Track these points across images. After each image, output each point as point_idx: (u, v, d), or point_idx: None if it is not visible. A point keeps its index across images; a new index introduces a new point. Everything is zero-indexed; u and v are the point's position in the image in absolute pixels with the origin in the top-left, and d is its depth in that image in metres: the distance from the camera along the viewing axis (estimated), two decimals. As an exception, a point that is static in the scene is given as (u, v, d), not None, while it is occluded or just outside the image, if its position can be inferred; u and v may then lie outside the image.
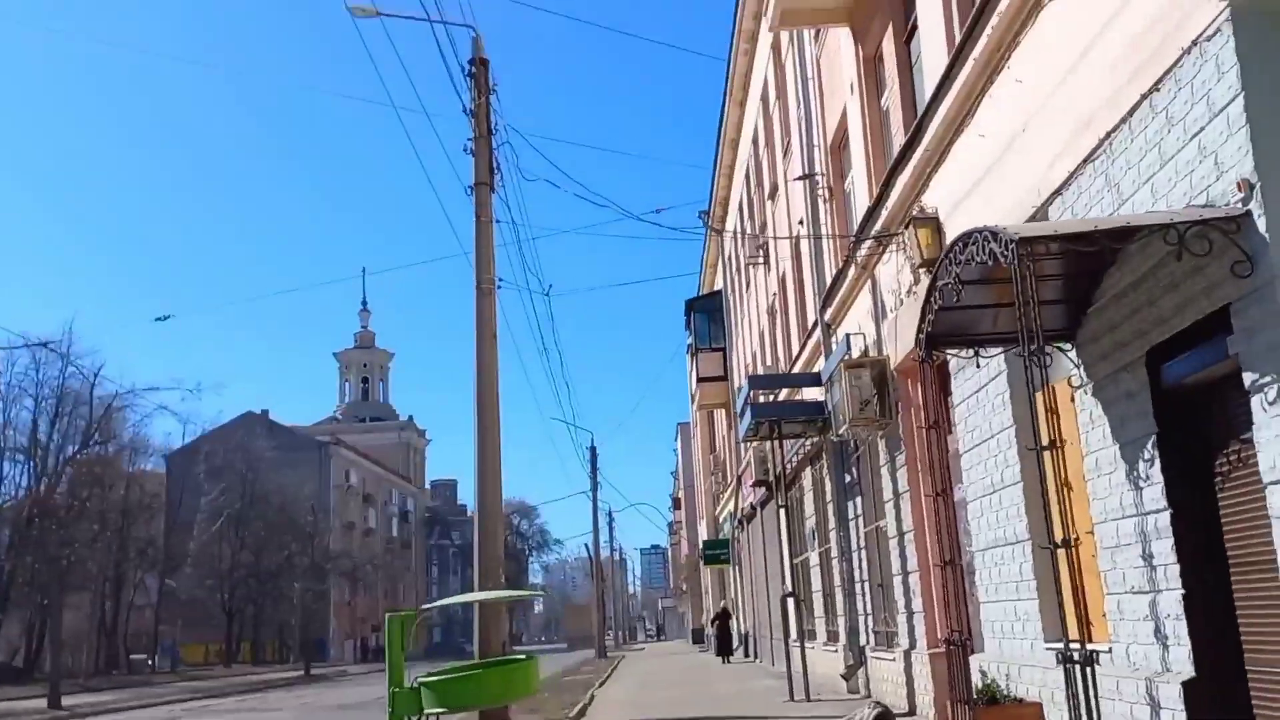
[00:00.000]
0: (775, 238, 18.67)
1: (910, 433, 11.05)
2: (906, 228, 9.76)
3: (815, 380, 14.40)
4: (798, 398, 15.48)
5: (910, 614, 11.19)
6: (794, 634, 15.67)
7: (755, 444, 18.41)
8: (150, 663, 63.75)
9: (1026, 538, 7.95)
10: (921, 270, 9.46)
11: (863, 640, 13.72)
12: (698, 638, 45.77)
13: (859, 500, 13.60)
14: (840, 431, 12.55)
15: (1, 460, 52.55)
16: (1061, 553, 5.60)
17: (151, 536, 60.63)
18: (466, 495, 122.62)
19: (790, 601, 15.80)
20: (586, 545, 55.22)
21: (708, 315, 33.22)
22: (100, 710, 26.83)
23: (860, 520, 13.56)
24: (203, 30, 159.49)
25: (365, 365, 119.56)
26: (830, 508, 15.39)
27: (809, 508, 17.37)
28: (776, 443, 15.54)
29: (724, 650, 29.79)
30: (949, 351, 7.23)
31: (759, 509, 25.03)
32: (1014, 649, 8.38)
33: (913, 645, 11.17)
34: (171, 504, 68.95)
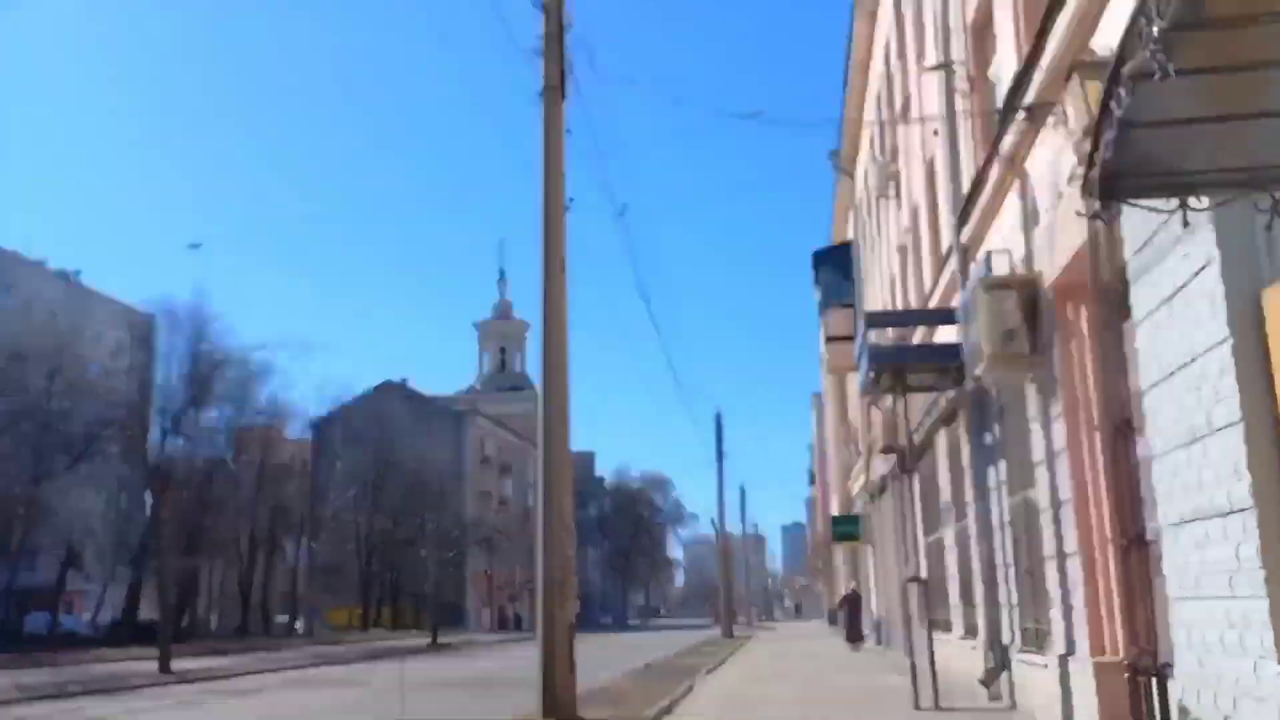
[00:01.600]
0: (918, 119, 15.65)
1: (1070, 369, 8.36)
2: (1068, 81, 7.06)
3: (948, 316, 11.73)
4: (927, 342, 12.82)
5: (1068, 609, 8.54)
6: (921, 626, 13.05)
7: (878, 404, 15.76)
8: (295, 626, 65.43)
9: (1248, 505, 5.28)
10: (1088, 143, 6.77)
11: (1006, 638, 11.05)
12: (831, 619, 43.05)
13: (1002, 464, 10.90)
14: (977, 374, 9.90)
15: (149, 422, 54.23)
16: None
17: (290, 502, 61.73)
18: (604, 466, 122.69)
19: (915, 588, 13.18)
20: (713, 519, 53.04)
21: (838, 268, 30.35)
22: (209, 676, 26.37)
23: (1003, 490, 10.87)
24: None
25: (503, 335, 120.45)
26: (967, 476, 12.69)
27: (943, 477, 14.67)
28: (902, 398, 12.94)
29: (853, 637, 27.11)
30: (1139, 203, 4.58)
31: (888, 481, 22.28)
32: (1226, 670, 5.71)
33: (1070, 650, 8.52)
34: (315, 470, 70.68)
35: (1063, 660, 8.65)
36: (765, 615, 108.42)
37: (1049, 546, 8.95)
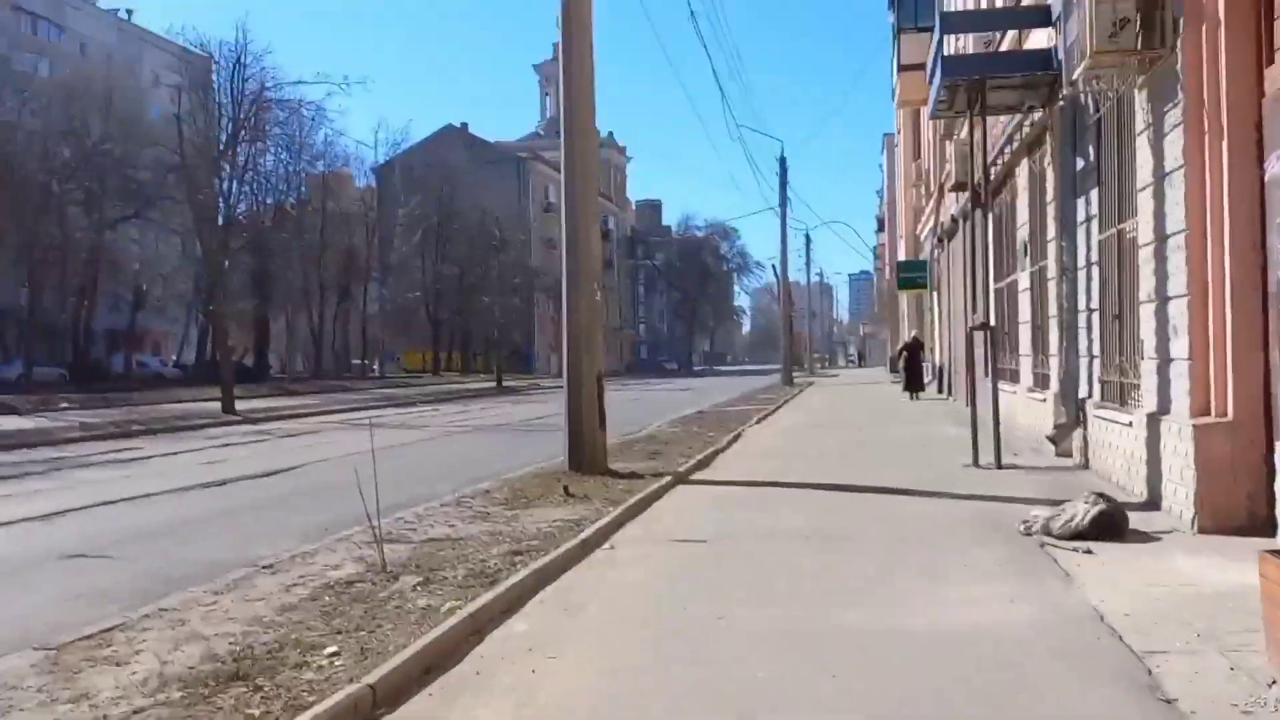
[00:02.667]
0: None
1: (1197, 64, 6.58)
2: None
3: (1042, 16, 9.73)
4: (1015, 49, 10.83)
5: (1165, 363, 7.19)
6: (987, 375, 11.90)
7: (953, 132, 13.87)
8: (373, 368, 67.39)
9: None
10: None
11: (1083, 391, 9.82)
12: (892, 367, 42.40)
13: (1094, 194, 9.26)
14: (1074, 79, 8.10)
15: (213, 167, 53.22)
16: None
17: (357, 248, 61.76)
18: (671, 216, 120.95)
19: (981, 336, 11.90)
20: (774, 265, 51.64)
21: (917, -14, 27.19)
22: (272, 416, 26.82)
23: (1094, 224, 9.29)
24: None
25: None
26: (1051, 209, 11.05)
27: (1021, 213, 13.01)
28: (980, 121, 11.10)
29: (912, 385, 26.21)
30: None
31: (960, 221, 20.51)
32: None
33: (1164, 409, 7.25)
34: (380, 217, 70.40)
35: (1153, 420, 7.41)
36: (829, 363, 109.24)
37: (1147, 288, 7.50)
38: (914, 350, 26.65)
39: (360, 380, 56.31)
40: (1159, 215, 7.23)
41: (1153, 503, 7.38)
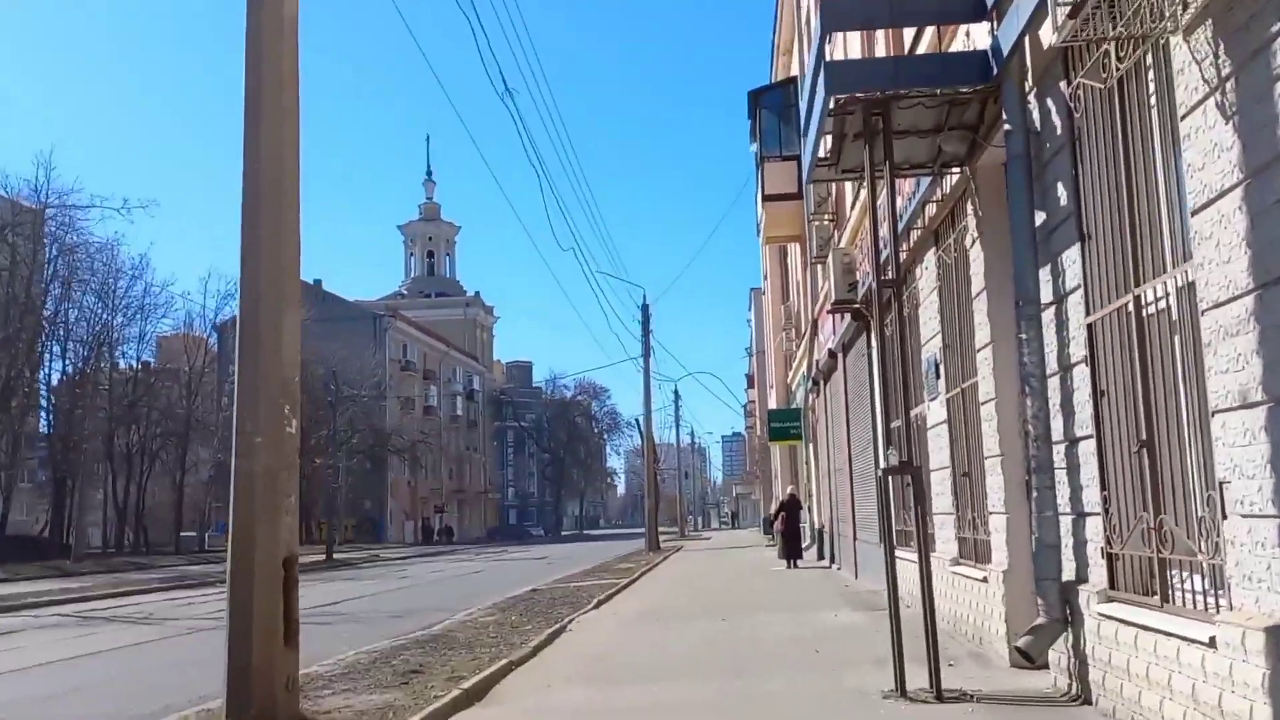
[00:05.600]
0: None
1: None
2: None
3: (971, 4, 6.54)
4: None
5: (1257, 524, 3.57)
6: (907, 545, 8.24)
7: (823, 209, 10.62)
8: (183, 541, 59.96)
9: None
10: None
11: (1067, 570, 6.10)
12: (766, 528, 38.75)
13: (1072, 255, 5.82)
14: (1053, 45, 4.73)
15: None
16: None
17: (172, 408, 55.61)
18: (541, 375, 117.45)
19: (898, 482, 8.24)
20: (637, 420, 48.32)
21: (778, 112, 25.06)
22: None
23: (1074, 301, 5.83)
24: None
25: (430, 239, 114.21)
26: (982, 302, 7.67)
27: (929, 324, 9.65)
28: (880, 173, 7.70)
29: (790, 552, 22.42)
30: None
31: (841, 355, 17.34)
32: None
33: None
34: (219, 378, 64.48)
35: (1274, 633, 3.71)
36: (705, 523, 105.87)
37: (1241, 379, 3.94)
38: (791, 509, 23.01)
39: (168, 556, 49.18)
40: (1257, 247, 3.75)
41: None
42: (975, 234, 7.74)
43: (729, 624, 11.44)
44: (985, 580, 7.89)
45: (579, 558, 36.57)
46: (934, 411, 9.72)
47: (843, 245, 14.51)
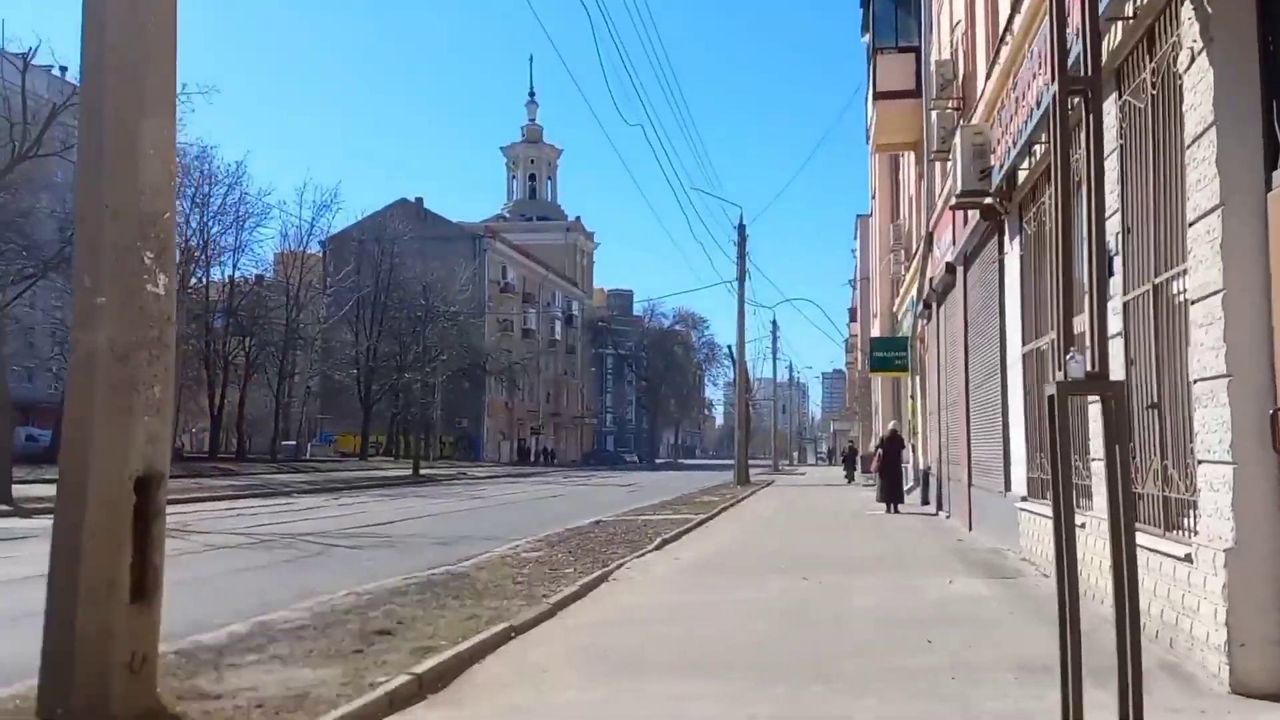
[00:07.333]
0: None
1: None
2: None
3: None
4: None
5: None
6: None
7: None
8: (288, 448, 60.34)
9: None
10: None
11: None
12: (864, 466, 36.18)
13: None
14: None
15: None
16: None
17: (273, 324, 55.30)
18: (641, 304, 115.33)
19: (1098, 409, 5.86)
20: (730, 348, 45.88)
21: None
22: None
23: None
24: None
25: (533, 161, 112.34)
26: (1225, 116, 5.12)
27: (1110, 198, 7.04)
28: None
29: (892, 496, 19.88)
30: None
31: (963, 268, 14.64)
32: None
33: None
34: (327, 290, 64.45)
35: None
36: (800, 460, 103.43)
37: None
38: (892, 449, 20.47)
39: (264, 462, 49.07)
40: None
41: None
42: (1197, 45, 5.16)
43: (811, 586, 9.18)
44: (1189, 560, 5.46)
45: (666, 486, 34.84)
46: (1113, 320, 7.17)
47: (974, 122, 11.78)
